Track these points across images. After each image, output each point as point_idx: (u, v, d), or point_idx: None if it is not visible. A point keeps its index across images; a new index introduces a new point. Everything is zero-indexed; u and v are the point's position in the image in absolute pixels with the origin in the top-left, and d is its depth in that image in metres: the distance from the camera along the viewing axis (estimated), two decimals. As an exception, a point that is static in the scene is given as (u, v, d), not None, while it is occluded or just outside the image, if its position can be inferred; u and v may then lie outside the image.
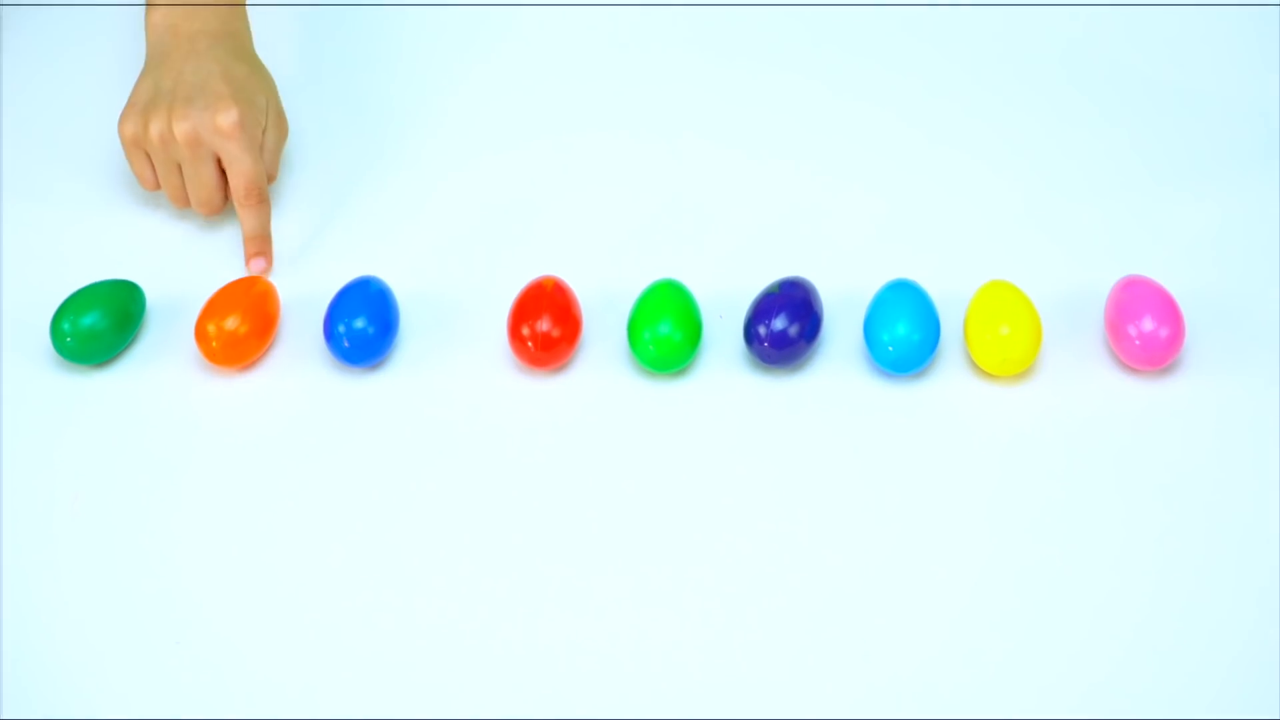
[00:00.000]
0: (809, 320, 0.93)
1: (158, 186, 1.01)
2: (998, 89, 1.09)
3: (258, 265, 0.99)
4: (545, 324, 0.92)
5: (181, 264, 1.00)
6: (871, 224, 1.01)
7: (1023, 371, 0.92)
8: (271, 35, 1.14)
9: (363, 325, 0.93)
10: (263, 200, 0.99)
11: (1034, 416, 0.91)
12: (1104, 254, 0.99)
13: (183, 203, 1.01)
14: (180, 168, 0.99)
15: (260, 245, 0.99)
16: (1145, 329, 0.91)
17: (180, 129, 0.97)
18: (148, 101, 0.99)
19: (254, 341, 0.94)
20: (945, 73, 1.11)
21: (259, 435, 0.92)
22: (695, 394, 0.93)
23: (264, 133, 1.00)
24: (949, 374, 0.94)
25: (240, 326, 0.93)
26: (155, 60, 1.01)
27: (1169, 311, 0.91)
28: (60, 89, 1.11)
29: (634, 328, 0.93)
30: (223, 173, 1.00)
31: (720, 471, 0.89)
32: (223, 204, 1.01)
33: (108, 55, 1.13)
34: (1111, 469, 0.89)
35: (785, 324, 0.92)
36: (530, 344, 0.92)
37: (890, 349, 0.91)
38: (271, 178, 1.02)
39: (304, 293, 0.98)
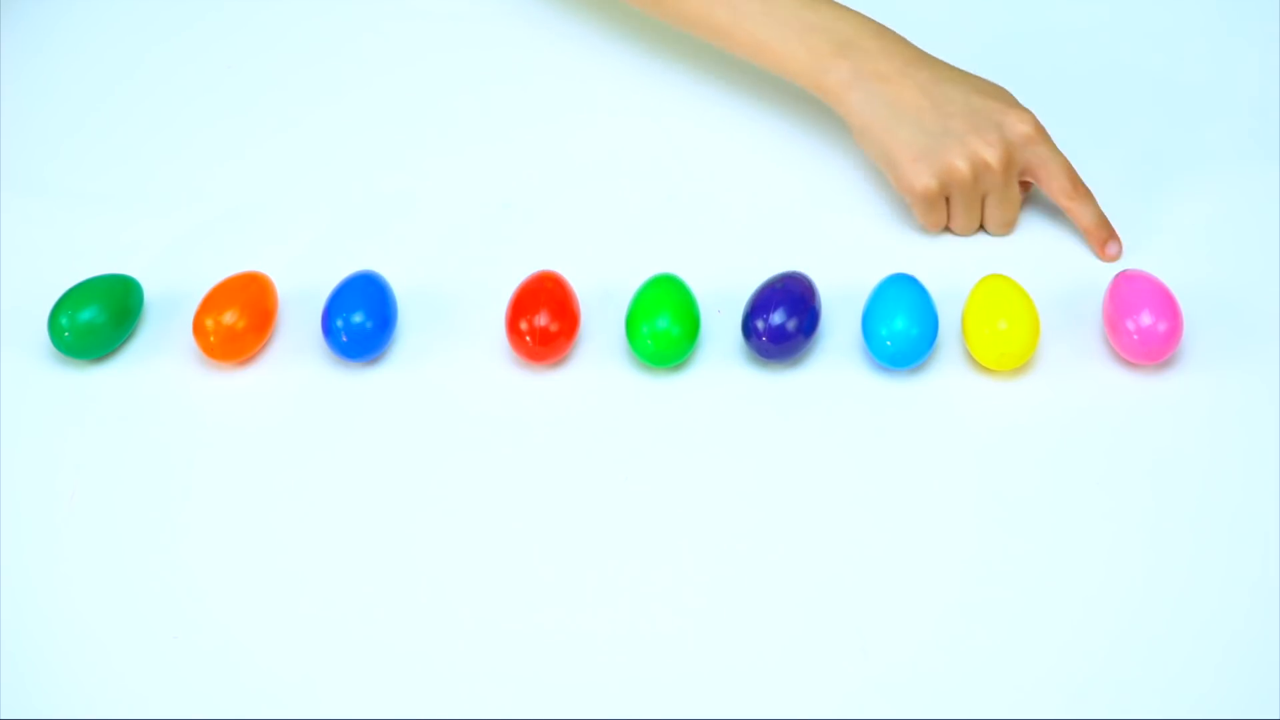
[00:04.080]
0: (807, 315, 0.93)
1: (946, 225, 0.99)
2: (995, 82, 1.09)
3: (1114, 249, 0.97)
4: (543, 318, 0.92)
5: (179, 259, 1.00)
6: (870, 218, 1.01)
7: (1021, 366, 0.92)
8: (267, 30, 1.14)
9: (361, 320, 0.93)
10: (1087, 188, 0.97)
11: (1032, 411, 0.91)
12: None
13: (973, 232, 0.99)
14: (983, 199, 0.97)
15: (1108, 230, 0.97)
16: (1143, 323, 0.91)
17: (992, 154, 0.95)
18: (929, 148, 0.96)
19: (252, 336, 0.94)
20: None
21: (257, 430, 0.92)
22: (693, 389, 0.93)
23: None
24: (947, 368, 0.94)
25: (238, 321, 0.93)
26: (887, 112, 0.97)
27: (1167, 306, 0.92)
28: (60, 82, 1.11)
29: (632, 322, 0.93)
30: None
31: (718, 466, 0.89)
32: None
33: (108, 48, 1.13)
34: (1109, 463, 0.89)
35: (783, 318, 0.92)
36: (528, 338, 0.92)
37: (888, 343, 0.91)
38: None
39: (302, 287, 0.98)
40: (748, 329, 0.93)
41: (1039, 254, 0.99)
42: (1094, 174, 1.03)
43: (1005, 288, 0.93)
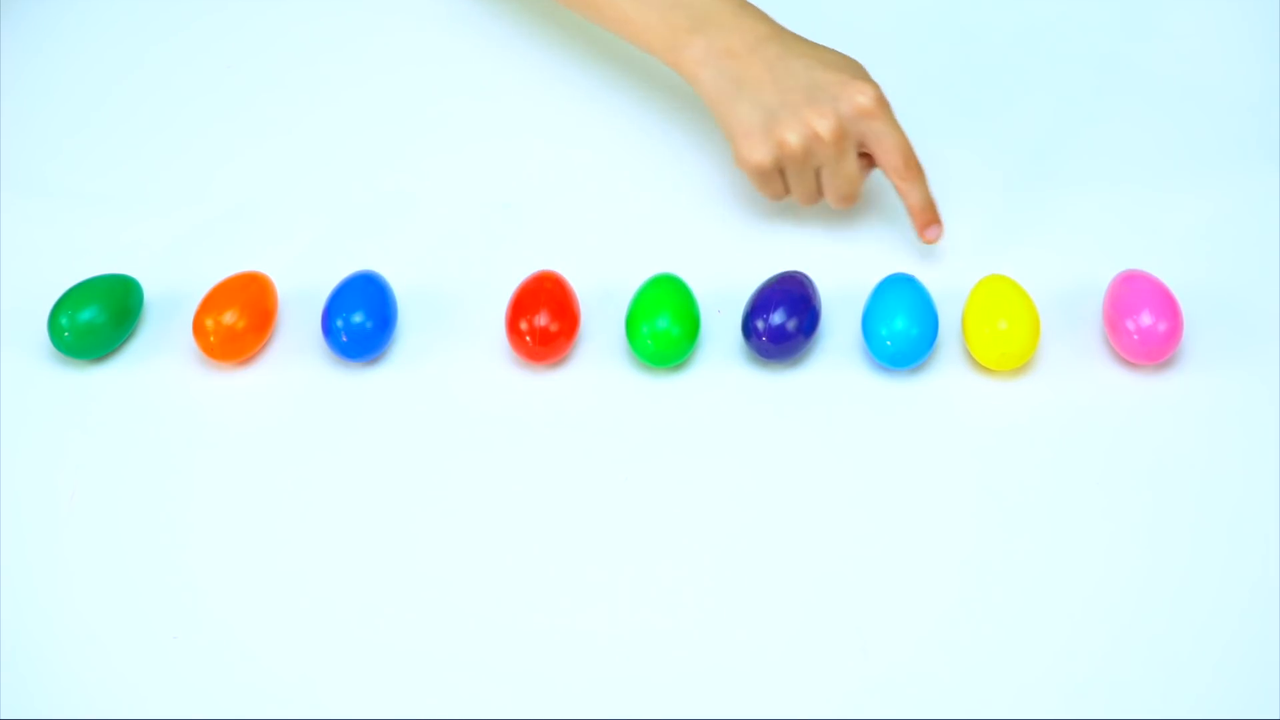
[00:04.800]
0: (807, 315, 0.93)
1: (786, 196, 0.99)
2: (995, 83, 1.09)
3: (934, 233, 0.97)
4: (543, 318, 0.92)
5: (179, 259, 1.00)
6: (869, 218, 1.01)
7: (1021, 366, 0.92)
8: (267, 30, 1.14)
9: (361, 320, 0.93)
10: (921, 168, 0.96)
11: (1032, 411, 0.91)
12: (1102, 248, 0.99)
13: (814, 201, 0.99)
14: (817, 171, 0.97)
15: (933, 213, 0.97)
16: (1143, 323, 0.91)
17: (824, 126, 0.94)
18: (763, 123, 0.95)
19: (252, 336, 0.94)
20: (942, 66, 1.10)
21: (257, 430, 0.92)
22: (693, 389, 0.93)
23: None
24: (947, 369, 0.94)
25: (238, 321, 0.93)
26: (729, 88, 0.96)
27: (1167, 306, 0.92)
28: (60, 81, 1.11)
29: (632, 322, 0.93)
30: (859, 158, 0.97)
31: (718, 466, 0.89)
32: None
33: (108, 48, 1.13)
34: (1110, 463, 0.89)
35: (783, 318, 0.92)
36: (528, 338, 0.92)
37: (888, 343, 0.91)
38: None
39: (302, 287, 0.98)
40: (748, 329, 0.93)
41: (1039, 254, 0.99)
42: (1094, 174, 1.03)
43: (1005, 288, 0.93)
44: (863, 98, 0.94)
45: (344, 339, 0.93)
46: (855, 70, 0.96)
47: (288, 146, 1.07)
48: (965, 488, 0.88)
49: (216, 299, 0.94)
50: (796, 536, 0.86)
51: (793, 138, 0.95)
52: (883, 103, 0.95)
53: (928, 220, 0.97)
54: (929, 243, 0.98)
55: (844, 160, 0.96)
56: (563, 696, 0.81)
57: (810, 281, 0.95)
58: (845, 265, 0.98)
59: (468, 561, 0.86)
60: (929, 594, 0.84)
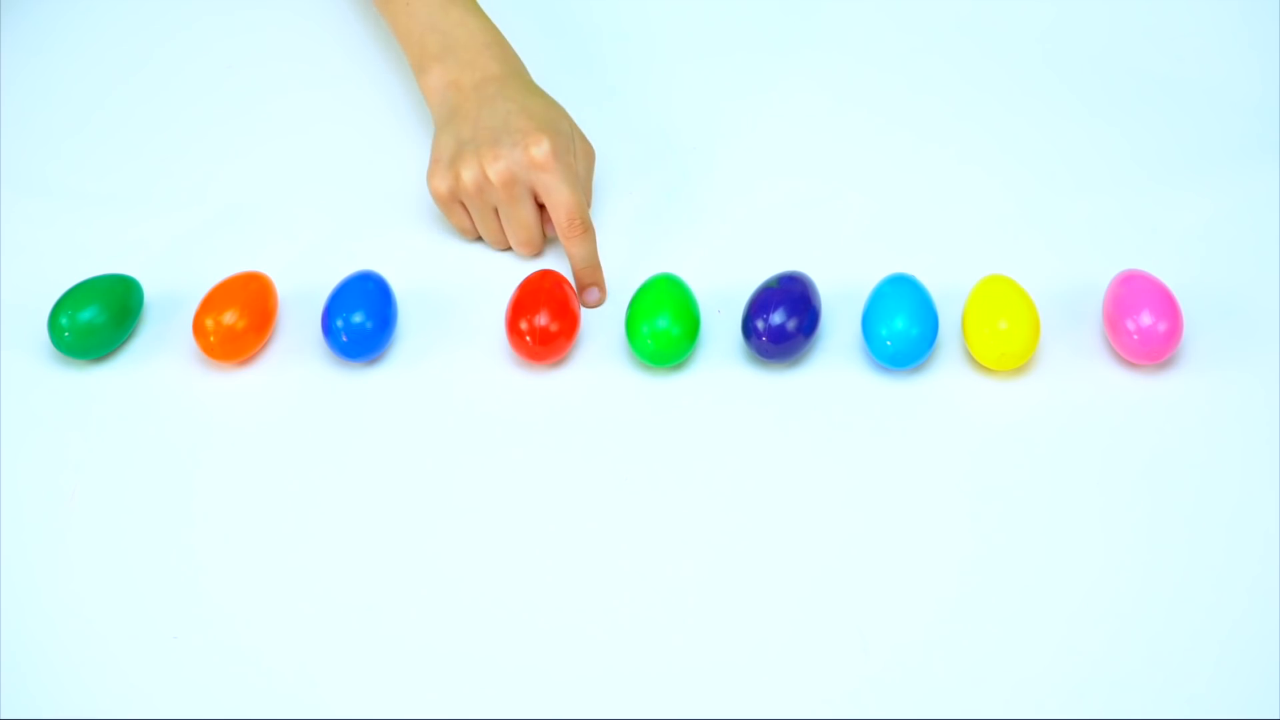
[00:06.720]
0: (807, 315, 0.93)
1: (478, 235, 1.00)
2: (996, 84, 1.09)
3: (592, 296, 0.97)
4: (543, 318, 0.93)
5: (179, 259, 1.00)
6: (869, 218, 1.01)
7: (1021, 366, 0.92)
8: (267, 31, 1.14)
9: (361, 320, 0.93)
10: (587, 229, 0.97)
11: (1032, 411, 0.91)
12: (1102, 248, 0.99)
13: (502, 245, 1.00)
14: (497, 212, 0.98)
15: (592, 275, 0.97)
16: (1143, 323, 0.91)
17: (494, 170, 0.96)
18: (453, 154, 0.98)
19: (252, 336, 0.94)
20: (943, 68, 1.11)
21: (257, 430, 0.92)
22: (693, 389, 0.93)
23: (574, 159, 0.98)
24: (947, 369, 0.94)
25: (238, 321, 0.93)
26: (446, 117, 1.00)
27: (1167, 306, 0.92)
28: (60, 82, 1.11)
29: (632, 322, 0.93)
30: (540, 208, 0.98)
31: (718, 466, 0.89)
32: (544, 242, 0.99)
33: (109, 48, 1.13)
34: (1110, 463, 0.89)
35: (783, 318, 0.92)
36: (528, 338, 0.92)
37: (888, 343, 0.91)
38: (585, 203, 0.98)
39: (302, 287, 0.98)
40: (748, 329, 0.93)
41: (1039, 254, 0.99)
42: (1096, 172, 1.03)
43: (1005, 288, 0.93)
44: (537, 150, 0.96)
45: (344, 339, 0.93)
46: (548, 123, 0.97)
47: (288, 146, 1.07)
48: (965, 487, 0.88)
49: (216, 299, 0.94)
50: (797, 536, 0.86)
51: (467, 175, 0.97)
52: (555, 158, 0.96)
53: (586, 282, 0.98)
54: (587, 306, 0.98)
55: (517, 206, 0.97)
56: (563, 696, 0.81)
57: (810, 281, 0.95)
58: (845, 265, 0.98)
59: (468, 561, 0.86)
60: (929, 593, 0.84)
